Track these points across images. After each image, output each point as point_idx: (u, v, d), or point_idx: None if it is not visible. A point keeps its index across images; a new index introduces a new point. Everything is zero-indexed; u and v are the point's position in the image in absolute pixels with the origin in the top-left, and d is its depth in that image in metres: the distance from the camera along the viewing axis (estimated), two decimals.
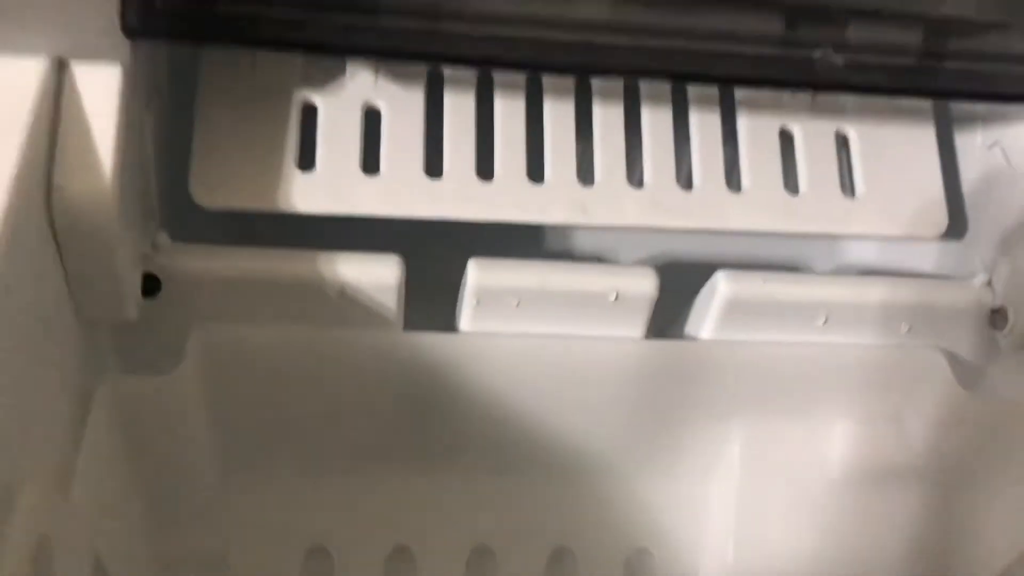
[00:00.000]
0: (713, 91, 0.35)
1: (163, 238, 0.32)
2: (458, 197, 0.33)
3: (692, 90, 0.35)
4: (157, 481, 0.36)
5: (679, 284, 0.36)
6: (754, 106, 0.36)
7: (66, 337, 0.30)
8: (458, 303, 0.34)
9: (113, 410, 0.32)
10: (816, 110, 0.36)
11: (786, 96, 0.36)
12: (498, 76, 0.34)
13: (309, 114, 0.33)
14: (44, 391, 0.28)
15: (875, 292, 0.35)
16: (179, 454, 0.35)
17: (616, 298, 0.34)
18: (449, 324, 0.35)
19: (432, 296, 0.34)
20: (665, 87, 0.35)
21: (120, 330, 0.32)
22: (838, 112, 0.37)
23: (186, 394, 0.33)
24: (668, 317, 0.36)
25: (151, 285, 0.31)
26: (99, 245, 0.28)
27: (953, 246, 0.38)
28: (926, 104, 0.37)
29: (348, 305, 0.33)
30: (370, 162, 0.33)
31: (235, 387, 0.34)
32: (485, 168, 0.34)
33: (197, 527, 0.37)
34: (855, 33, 0.31)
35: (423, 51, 0.30)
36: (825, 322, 0.36)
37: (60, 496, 0.28)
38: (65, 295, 0.29)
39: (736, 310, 0.35)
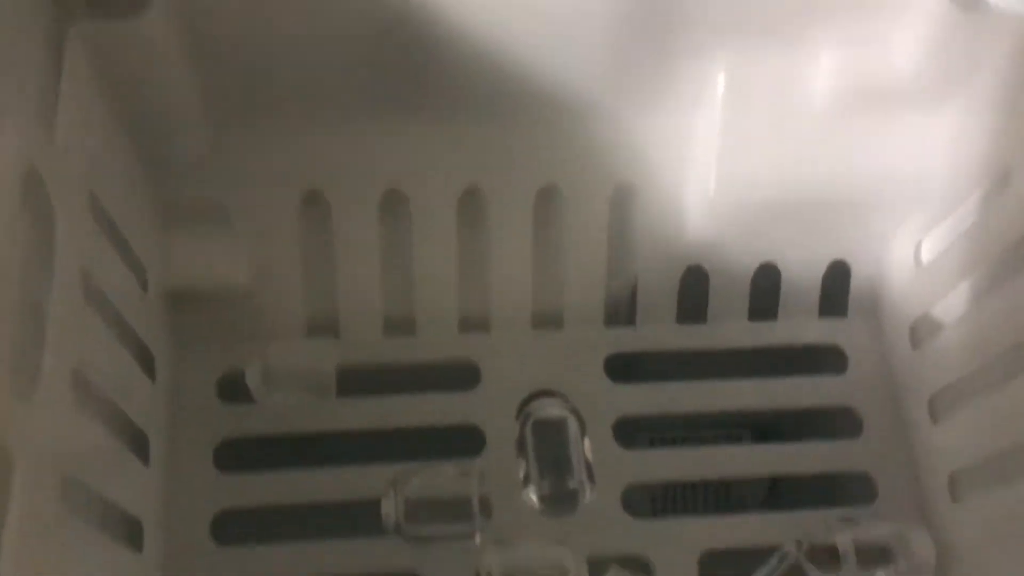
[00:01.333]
0: None
1: None
2: None
3: None
4: (148, 134, 0.36)
5: None
6: None
7: None
8: None
9: (88, 58, 0.32)
10: None
11: None
12: None
13: None
14: (12, 35, 0.28)
15: None
16: (166, 104, 0.35)
17: None
18: None
19: None
20: None
21: None
22: None
23: (161, 36, 0.33)
24: None
25: None
26: None
27: None
28: None
29: None
30: None
31: (210, 27, 0.34)
32: None
33: (194, 178, 0.39)
34: None
35: None
36: None
37: (45, 136, 0.29)
38: None
39: None
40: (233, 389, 0.40)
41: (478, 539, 0.37)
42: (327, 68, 0.37)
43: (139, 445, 0.36)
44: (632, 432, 0.41)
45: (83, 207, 0.32)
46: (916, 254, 0.42)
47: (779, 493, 0.44)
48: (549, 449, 0.39)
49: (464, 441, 0.40)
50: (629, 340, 0.43)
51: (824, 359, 0.44)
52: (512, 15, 0.35)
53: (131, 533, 0.35)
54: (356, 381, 0.41)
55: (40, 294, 0.29)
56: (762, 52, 0.37)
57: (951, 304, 0.40)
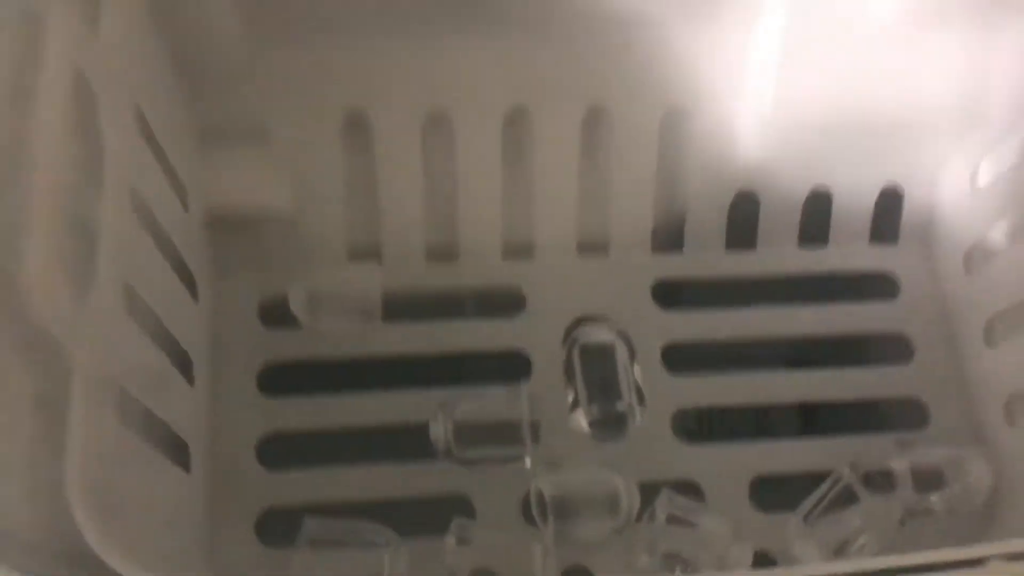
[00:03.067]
0: None
1: None
2: None
3: None
4: (187, 47, 0.35)
5: None
6: None
7: None
8: None
9: None
10: None
11: None
12: None
13: None
14: None
15: None
16: (204, 13, 0.34)
17: None
18: None
19: None
20: None
21: None
22: None
23: None
24: None
25: None
26: None
27: None
28: None
29: None
30: None
31: None
32: None
33: (233, 96, 0.38)
34: None
35: None
36: None
37: (90, 31, 0.28)
38: None
39: None
40: (275, 314, 0.40)
41: (528, 462, 0.37)
42: None
43: (184, 367, 0.36)
44: (680, 358, 0.40)
45: (129, 119, 0.31)
46: (972, 179, 0.41)
47: (819, 418, 0.44)
48: (597, 373, 0.38)
49: (510, 366, 0.40)
50: (677, 266, 0.42)
51: (876, 285, 0.43)
52: None
53: (179, 454, 0.34)
54: (399, 306, 0.40)
55: (91, 204, 0.28)
56: None
57: (1007, 229, 0.39)
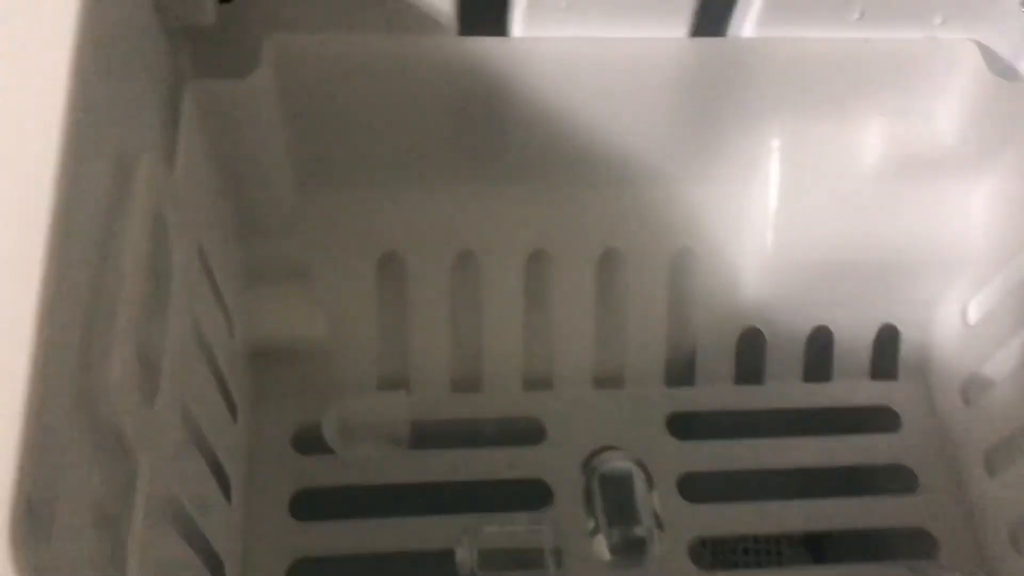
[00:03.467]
0: None
1: None
2: None
3: None
4: (245, 194, 0.39)
5: None
6: None
7: (152, 42, 0.32)
8: (509, 5, 0.36)
9: (198, 113, 0.35)
10: None
11: None
12: None
13: None
14: (139, 88, 0.31)
15: None
16: (259, 162, 0.38)
17: None
18: (503, 29, 0.37)
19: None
20: None
21: (199, 38, 0.35)
22: None
23: (262, 99, 0.36)
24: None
25: None
26: None
27: None
28: None
29: (405, 9, 0.35)
30: None
31: (304, 93, 0.37)
32: None
33: (281, 239, 0.41)
34: None
35: None
36: (860, 16, 0.37)
37: (168, 173, 0.31)
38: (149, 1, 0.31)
39: (777, 3, 0.36)
40: (308, 438, 0.42)
41: None
42: (408, 137, 0.40)
43: (223, 486, 0.37)
44: (695, 487, 0.42)
45: (193, 255, 0.34)
46: (963, 315, 0.43)
47: (827, 547, 0.45)
48: (616, 500, 0.40)
49: (532, 494, 0.41)
50: (689, 399, 0.44)
51: (878, 418, 0.45)
52: (581, 78, 0.38)
53: (215, 572, 0.36)
54: (426, 434, 0.42)
55: (158, 326, 0.30)
56: (814, 123, 0.40)
57: (1001, 361, 0.41)
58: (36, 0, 0.26)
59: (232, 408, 0.39)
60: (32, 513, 0.21)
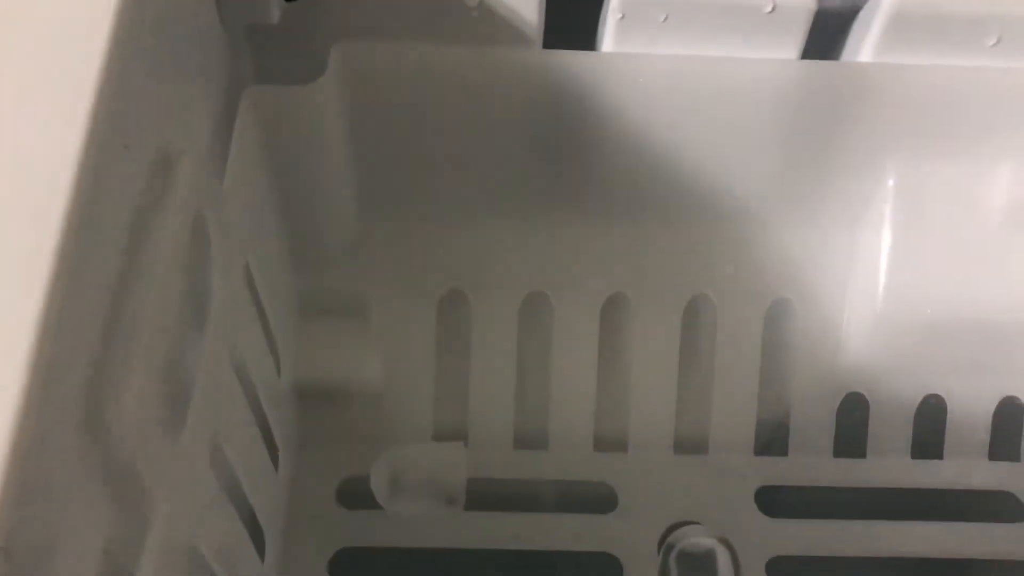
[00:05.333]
0: None
1: None
2: None
3: None
4: (300, 216, 0.36)
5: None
6: None
7: (210, 40, 0.30)
8: (600, 18, 0.33)
9: (255, 120, 0.32)
10: None
11: None
12: None
13: None
14: (193, 86, 0.28)
15: None
16: (318, 180, 0.35)
17: (772, 9, 0.32)
18: (591, 43, 0.34)
19: (575, 11, 0.33)
20: None
21: (263, 42, 0.32)
22: None
23: (325, 108, 0.33)
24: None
25: None
26: None
27: None
28: None
29: (486, 18, 0.32)
30: None
31: (372, 107, 0.34)
32: None
33: (337, 271, 0.38)
34: None
35: None
36: (997, 42, 0.33)
37: (214, 177, 0.28)
38: None
39: (900, 26, 0.32)
40: (353, 490, 0.38)
41: None
42: (481, 162, 0.36)
43: (256, 539, 0.33)
44: (786, 572, 0.37)
45: (238, 273, 0.31)
46: None
47: None
48: None
49: (599, 568, 0.37)
50: (781, 471, 0.39)
51: (995, 505, 0.39)
52: (675, 101, 0.34)
53: None
54: (483, 494, 0.38)
55: (191, 348, 0.27)
56: (936, 162, 0.36)
57: None
58: None
59: (273, 453, 0.36)
60: (12, 563, 0.18)
